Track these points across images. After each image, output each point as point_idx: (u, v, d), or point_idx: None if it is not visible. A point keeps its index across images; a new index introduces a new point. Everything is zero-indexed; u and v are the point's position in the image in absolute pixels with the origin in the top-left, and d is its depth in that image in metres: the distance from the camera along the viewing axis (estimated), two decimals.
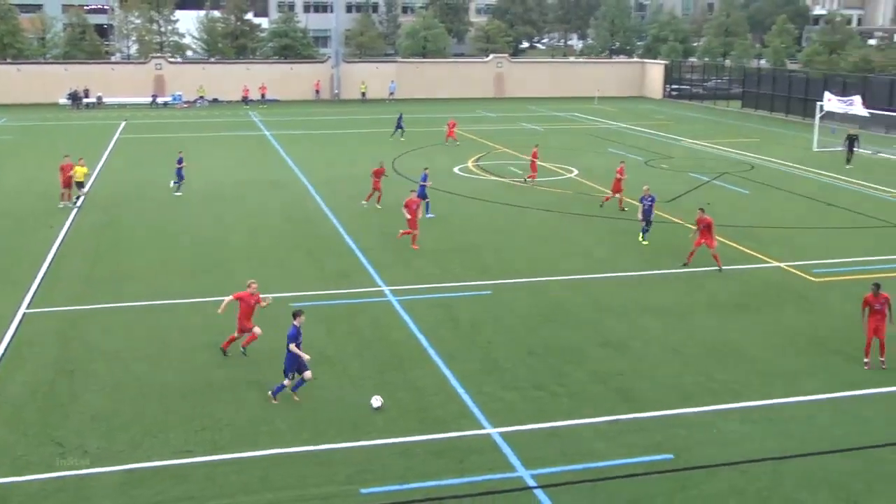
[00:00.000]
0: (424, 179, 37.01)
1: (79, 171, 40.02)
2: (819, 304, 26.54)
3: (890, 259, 31.43)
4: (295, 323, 19.22)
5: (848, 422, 18.73)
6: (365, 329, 24.05)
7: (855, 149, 51.96)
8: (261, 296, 21.75)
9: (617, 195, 38.04)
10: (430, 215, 36.32)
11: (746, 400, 19.66)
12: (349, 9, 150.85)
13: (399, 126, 63.06)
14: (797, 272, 29.62)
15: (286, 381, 19.29)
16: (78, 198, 39.69)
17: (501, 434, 17.94)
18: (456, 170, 49.32)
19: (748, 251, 32.00)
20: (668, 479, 16.26)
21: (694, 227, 30.05)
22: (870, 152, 52.71)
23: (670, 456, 17.02)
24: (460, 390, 19.98)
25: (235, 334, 21.86)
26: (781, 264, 30.49)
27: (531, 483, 16.12)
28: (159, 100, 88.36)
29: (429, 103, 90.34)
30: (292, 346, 18.99)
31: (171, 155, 53.51)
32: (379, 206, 38.27)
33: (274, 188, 43.24)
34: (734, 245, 32.71)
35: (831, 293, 27.60)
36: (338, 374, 21.00)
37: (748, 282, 28.75)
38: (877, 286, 21.45)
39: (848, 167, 50.48)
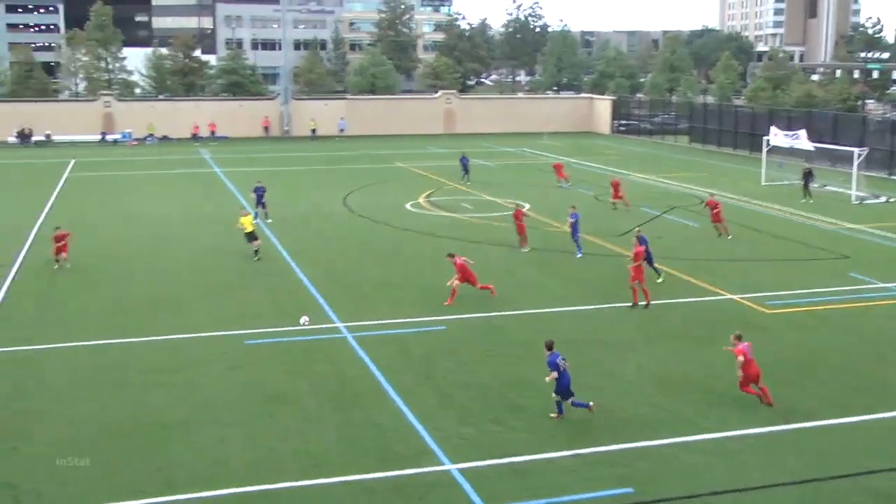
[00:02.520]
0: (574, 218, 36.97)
1: (244, 222, 36.15)
2: (772, 336, 26.73)
3: (840, 290, 31.85)
4: (555, 351, 20.24)
5: (807, 453, 18.82)
6: (321, 366, 23.85)
7: (811, 184, 52.59)
8: None
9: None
10: (579, 255, 36.52)
11: (704, 432, 19.71)
12: (297, 46, 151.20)
13: (465, 169, 59.34)
14: (750, 304, 29.90)
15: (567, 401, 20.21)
16: (255, 251, 36.06)
17: (461, 470, 17.82)
18: (408, 206, 49.35)
19: (700, 283, 32.25)
20: None
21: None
22: (816, 185, 53.51)
23: (630, 490, 17.01)
24: (418, 426, 19.85)
25: None
26: (734, 296, 30.75)
27: None
28: (108, 137, 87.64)
29: (378, 140, 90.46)
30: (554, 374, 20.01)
31: (123, 193, 53.20)
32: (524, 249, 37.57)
33: (226, 225, 42.83)
34: (687, 278, 32.97)
35: (784, 325, 27.88)
36: (294, 412, 20.78)
37: (701, 314, 28.95)
38: None
39: (803, 202, 51.06)
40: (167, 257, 36.83)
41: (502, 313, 28.84)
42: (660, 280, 32.24)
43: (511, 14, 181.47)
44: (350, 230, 42.50)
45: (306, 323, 25.65)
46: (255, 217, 40.27)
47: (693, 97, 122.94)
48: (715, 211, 40.64)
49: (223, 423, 20.02)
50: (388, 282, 32.52)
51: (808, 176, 52.63)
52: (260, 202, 43.91)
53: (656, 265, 32.46)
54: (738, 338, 21.21)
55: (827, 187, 55.29)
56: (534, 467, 17.95)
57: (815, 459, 18.54)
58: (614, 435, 19.46)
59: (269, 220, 43.26)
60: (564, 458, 18.37)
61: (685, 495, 16.86)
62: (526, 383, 22.57)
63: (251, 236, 36.15)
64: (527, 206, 48.19)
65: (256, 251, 36.08)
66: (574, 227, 36.86)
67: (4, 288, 31.68)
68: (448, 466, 18.00)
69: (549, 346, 20.45)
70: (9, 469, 17.86)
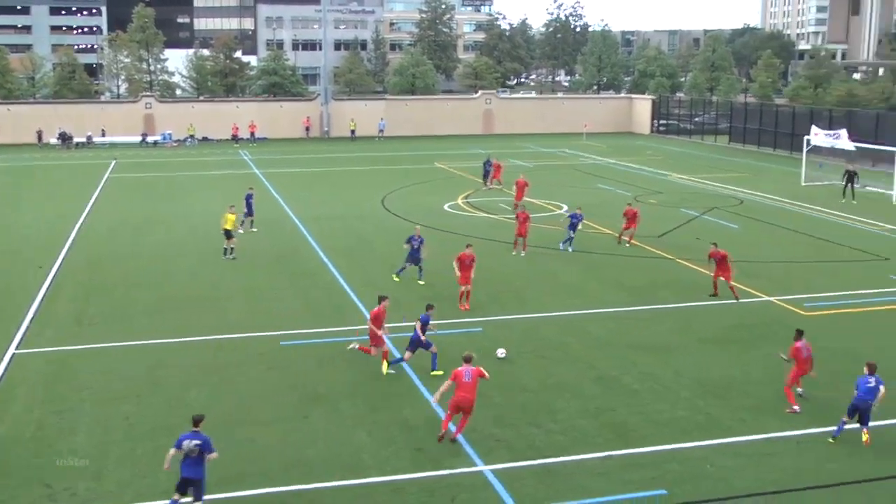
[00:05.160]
0: (575, 218, 38.00)
1: (229, 219, 36.70)
2: (810, 338, 26.28)
3: (880, 292, 31.52)
4: None
5: (843, 457, 18.67)
6: (356, 367, 23.92)
7: (855, 185, 52.17)
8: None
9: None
10: (566, 248, 37.75)
11: (740, 434, 19.62)
12: (338, 46, 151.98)
13: (486, 172, 57.63)
14: (788, 306, 29.65)
15: None
16: (231, 249, 36.52)
17: (493, 471, 17.83)
18: (446, 207, 49.40)
19: (738, 286, 31.98)
20: None
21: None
22: (858, 186, 52.90)
23: (664, 491, 16.91)
24: (452, 428, 19.81)
25: None
26: (772, 298, 30.54)
27: None
28: (149, 139, 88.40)
29: (418, 140, 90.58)
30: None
31: (163, 193, 53.78)
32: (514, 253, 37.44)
33: (265, 226, 43.07)
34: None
35: (822, 327, 27.52)
36: (328, 412, 20.89)
37: (739, 316, 28.75)
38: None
39: (843, 201, 50.60)
40: (206, 257, 37.07)
41: (539, 315, 28.80)
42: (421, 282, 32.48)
43: (552, 14, 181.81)
44: (387, 231, 42.56)
45: (503, 354, 24.89)
46: (242, 225, 40.81)
47: (734, 97, 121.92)
48: (629, 221, 39.04)
49: (258, 423, 20.16)
50: (427, 283, 32.51)
51: (852, 176, 52.12)
52: (250, 211, 42.42)
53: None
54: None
55: (868, 188, 54.65)
56: (566, 469, 17.93)
57: (852, 461, 18.38)
58: (648, 438, 19.40)
59: (254, 230, 42.27)
60: (597, 459, 18.34)
61: (717, 497, 16.77)
62: (563, 385, 22.54)
63: (227, 234, 36.63)
64: (564, 207, 48.12)
65: (230, 249, 36.60)
66: (573, 225, 37.89)
67: (43, 290, 32.06)
68: (481, 467, 18.01)
69: None
70: (44, 469, 18.07)
